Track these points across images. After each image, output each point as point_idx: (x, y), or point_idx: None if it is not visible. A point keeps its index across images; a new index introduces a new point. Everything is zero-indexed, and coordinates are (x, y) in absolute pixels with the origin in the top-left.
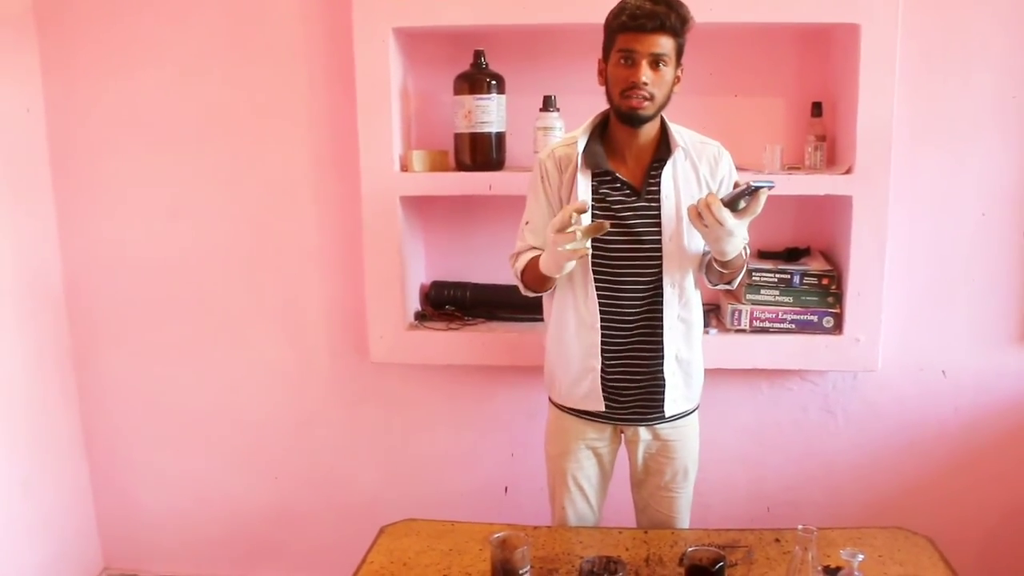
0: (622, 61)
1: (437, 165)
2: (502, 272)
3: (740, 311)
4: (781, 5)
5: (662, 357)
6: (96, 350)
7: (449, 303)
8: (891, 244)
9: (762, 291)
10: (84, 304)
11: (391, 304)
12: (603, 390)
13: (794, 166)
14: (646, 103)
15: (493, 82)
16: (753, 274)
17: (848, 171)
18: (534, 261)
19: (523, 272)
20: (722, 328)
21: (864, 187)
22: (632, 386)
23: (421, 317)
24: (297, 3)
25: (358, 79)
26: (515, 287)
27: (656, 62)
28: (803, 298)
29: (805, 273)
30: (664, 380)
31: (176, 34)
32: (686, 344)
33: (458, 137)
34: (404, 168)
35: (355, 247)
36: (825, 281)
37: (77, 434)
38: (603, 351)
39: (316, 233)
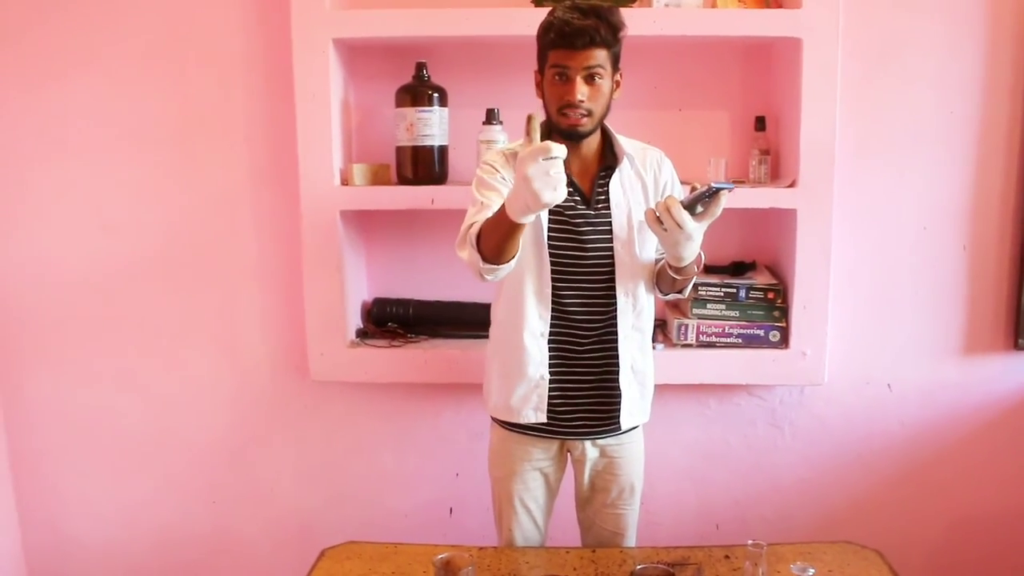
0: (556, 78)
1: (378, 179)
2: (446, 288)
3: (686, 326)
4: (724, 19)
5: (618, 368)
6: (22, 371)
7: (392, 320)
8: (835, 257)
9: (708, 305)
10: (9, 322)
11: (332, 321)
12: (550, 402)
13: (738, 180)
14: (584, 119)
15: (435, 95)
16: (699, 288)
17: (792, 184)
18: (493, 217)
19: (480, 235)
20: (668, 343)
21: (808, 200)
22: (582, 398)
23: (363, 335)
24: (235, 12)
25: (297, 91)
26: (458, 304)
27: (591, 76)
28: (749, 312)
29: (751, 287)
30: (620, 391)
31: (108, 41)
32: (641, 354)
33: (400, 150)
34: (344, 182)
35: (294, 263)
36: (771, 295)
37: (2, 460)
38: (553, 361)
39: (254, 249)
